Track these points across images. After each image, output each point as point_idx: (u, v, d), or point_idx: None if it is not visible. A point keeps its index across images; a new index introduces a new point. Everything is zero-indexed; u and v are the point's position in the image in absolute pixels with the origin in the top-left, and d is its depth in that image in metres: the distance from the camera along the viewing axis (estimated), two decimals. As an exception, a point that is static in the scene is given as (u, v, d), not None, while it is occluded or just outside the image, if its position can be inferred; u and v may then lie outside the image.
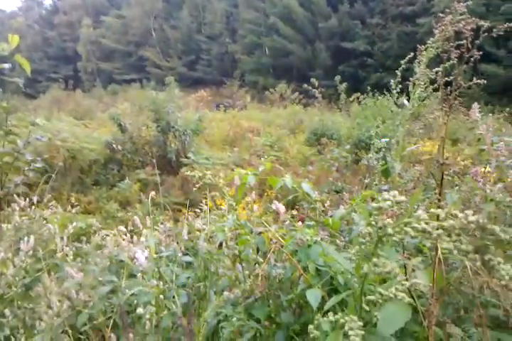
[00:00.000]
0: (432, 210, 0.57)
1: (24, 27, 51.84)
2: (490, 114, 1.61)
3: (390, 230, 0.65)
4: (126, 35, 47.18)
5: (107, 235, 2.90)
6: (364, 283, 0.81)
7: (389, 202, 0.64)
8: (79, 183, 8.74)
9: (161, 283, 2.08)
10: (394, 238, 0.65)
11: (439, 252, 1.35)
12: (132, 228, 2.79)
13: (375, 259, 0.69)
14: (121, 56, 48.14)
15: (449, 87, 1.34)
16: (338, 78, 12.94)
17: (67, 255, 2.39)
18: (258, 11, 37.94)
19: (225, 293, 1.78)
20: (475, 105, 1.64)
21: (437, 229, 0.55)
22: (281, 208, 1.88)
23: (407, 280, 0.71)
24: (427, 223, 0.57)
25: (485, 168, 1.78)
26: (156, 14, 46.01)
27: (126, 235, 2.76)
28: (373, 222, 0.68)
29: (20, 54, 2.90)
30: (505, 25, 1.10)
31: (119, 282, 2.20)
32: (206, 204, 3.08)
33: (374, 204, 0.66)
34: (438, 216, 0.60)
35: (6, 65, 2.88)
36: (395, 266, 0.66)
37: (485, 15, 21.81)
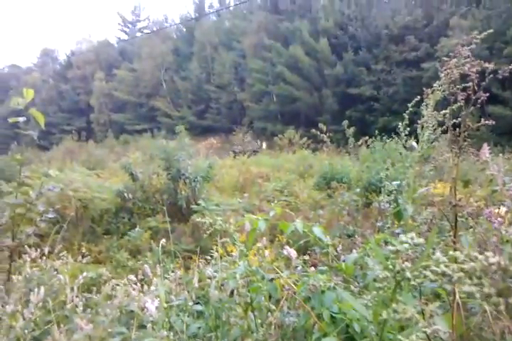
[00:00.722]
0: (451, 253, 0.55)
1: (39, 82, 54.08)
2: (500, 154, 1.61)
3: (408, 274, 0.63)
4: (138, 87, 48.80)
5: (117, 285, 2.86)
6: (383, 331, 0.78)
7: (406, 245, 0.62)
8: (90, 233, 8.72)
9: (172, 333, 2.02)
10: (412, 282, 0.63)
11: (457, 297, 1.30)
12: (143, 277, 2.75)
13: (394, 305, 0.66)
14: (132, 107, 49.57)
15: (457, 129, 1.34)
16: (345, 123, 13.10)
17: (76, 306, 2.34)
18: (265, 60, 39.26)
19: (238, 344, 1.71)
20: (485, 146, 1.64)
21: (458, 272, 0.53)
22: (293, 253, 1.85)
23: (427, 326, 0.68)
24: (446, 266, 0.55)
25: (498, 208, 1.75)
26: (167, 66, 47.76)
27: (136, 284, 2.72)
28: (391, 266, 0.66)
29: (35, 107, 3.00)
30: (511, 67, 1.12)
31: (129, 333, 2.14)
32: (217, 251, 3.04)
33: (391, 247, 0.64)
34: (455, 259, 0.58)
35: (21, 119, 2.97)
36: (415, 312, 0.64)
37: (489, 59, 22.28)
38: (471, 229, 1.47)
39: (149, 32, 54.17)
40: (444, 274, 0.55)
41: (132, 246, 8.05)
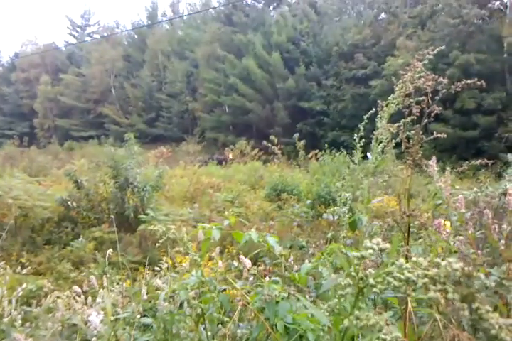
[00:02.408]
0: (414, 259, 0.56)
1: (-20, 83, 51.44)
2: (448, 168, 1.68)
3: (371, 281, 0.63)
4: (86, 92, 47.44)
5: (58, 297, 2.73)
6: (344, 338, 0.77)
7: (371, 251, 0.62)
8: (29, 243, 8.31)
9: (118, 348, 1.94)
10: (375, 289, 0.63)
11: (409, 306, 1.33)
12: (87, 288, 2.63)
13: (357, 312, 0.66)
14: (79, 113, 48.08)
15: (408, 142, 1.39)
16: (296, 136, 13.39)
17: (15, 320, 2.20)
18: (218, 71, 39.35)
19: (188, 358, 1.66)
20: (433, 159, 1.71)
21: (422, 277, 0.54)
22: (248, 262, 1.83)
23: (388, 334, 0.68)
24: (410, 272, 0.56)
25: (445, 220, 1.82)
26: (117, 73, 46.79)
27: (80, 296, 2.60)
28: (353, 273, 0.66)
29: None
30: (462, 82, 1.18)
31: (71, 348, 2.04)
32: (166, 262, 2.97)
33: (355, 253, 0.64)
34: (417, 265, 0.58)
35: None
36: (379, 319, 0.64)
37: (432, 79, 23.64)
38: (421, 240, 1.52)
39: (99, 37, 52.96)
40: (407, 280, 0.56)
41: (75, 257, 7.74)
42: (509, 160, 4.71)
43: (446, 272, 0.51)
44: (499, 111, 25.35)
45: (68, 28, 56.41)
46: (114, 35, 49.61)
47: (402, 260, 0.59)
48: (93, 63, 46.92)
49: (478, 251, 1.80)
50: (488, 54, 26.21)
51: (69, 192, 9.90)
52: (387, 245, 0.61)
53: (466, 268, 0.50)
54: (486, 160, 1.71)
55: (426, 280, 0.52)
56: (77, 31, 56.77)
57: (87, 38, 56.10)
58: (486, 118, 25.14)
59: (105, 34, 52.40)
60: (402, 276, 0.56)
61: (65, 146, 38.74)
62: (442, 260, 0.56)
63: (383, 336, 0.67)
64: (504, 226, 1.92)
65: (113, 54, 46.18)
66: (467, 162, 1.85)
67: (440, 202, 1.89)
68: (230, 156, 24.02)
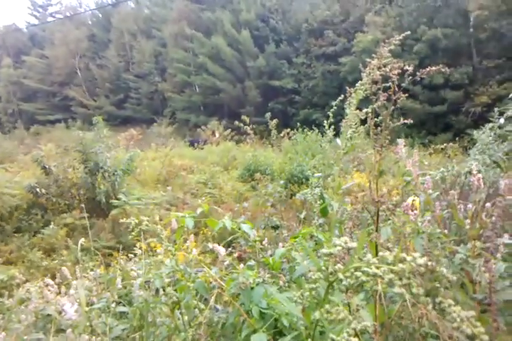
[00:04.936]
0: (381, 254, 0.57)
1: None
2: (416, 150, 1.70)
3: (341, 275, 0.65)
4: (50, 74, 45.86)
5: (30, 288, 2.69)
6: (316, 329, 0.79)
7: (339, 248, 0.63)
8: (-2, 231, 8.15)
9: (94, 337, 1.94)
10: (344, 283, 0.64)
11: (379, 288, 1.37)
12: (60, 280, 2.60)
13: (327, 306, 0.67)
14: (44, 96, 46.56)
15: (376, 129, 1.40)
16: (268, 115, 13.35)
17: (-14, 314, 2.17)
18: (187, 50, 38.63)
19: (165, 344, 1.67)
20: (400, 142, 1.73)
21: (388, 273, 0.55)
22: (222, 251, 1.83)
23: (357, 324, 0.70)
24: (377, 267, 0.57)
25: (414, 200, 1.87)
26: (82, 53, 45.34)
27: (53, 287, 2.57)
28: (323, 268, 0.67)
29: None
30: (428, 69, 1.19)
31: (47, 339, 2.03)
32: (140, 248, 2.96)
33: (324, 250, 0.65)
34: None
35: None
36: (343, 307, 0.65)
37: (401, 55, 23.86)
38: (390, 221, 1.55)
39: (62, 17, 50.90)
40: (375, 275, 0.57)
41: (46, 244, 7.64)
42: (474, 136, 4.82)
43: (411, 267, 0.52)
44: (466, 86, 25.79)
45: (29, 8, 54.01)
46: (77, 15, 47.80)
47: (369, 255, 0.60)
48: (57, 44, 45.22)
49: (445, 230, 1.86)
50: (455, 28, 26.47)
51: (37, 179, 9.68)
52: (354, 244, 0.62)
53: (429, 263, 0.51)
54: (453, 136, 1.74)
55: (392, 275, 0.54)
56: (38, 11, 54.36)
57: (50, 19, 53.80)
58: (454, 93, 25.56)
59: (68, 14, 50.36)
60: (370, 271, 0.58)
61: (31, 131, 37.66)
62: (408, 255, 0.57)
63: (354, 326, 0.69)
64: (469, 205, 1.98)
65: (77, 34, 44.65)
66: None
67: (409, 178, 1.93)
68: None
